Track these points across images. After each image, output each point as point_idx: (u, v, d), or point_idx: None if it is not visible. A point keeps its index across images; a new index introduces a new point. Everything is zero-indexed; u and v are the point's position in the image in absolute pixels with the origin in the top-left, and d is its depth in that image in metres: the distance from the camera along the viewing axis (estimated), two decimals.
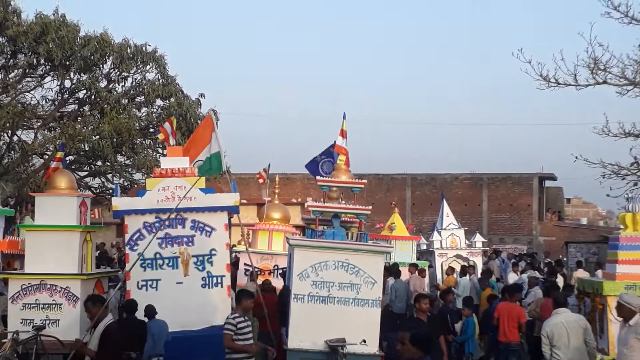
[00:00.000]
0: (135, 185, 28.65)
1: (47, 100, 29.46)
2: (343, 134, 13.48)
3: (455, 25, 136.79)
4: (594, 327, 11.03)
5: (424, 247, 26.43)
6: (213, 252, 13.48)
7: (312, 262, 11.57)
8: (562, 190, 58.86)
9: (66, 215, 13.54)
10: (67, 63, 27.57)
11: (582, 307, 12.90)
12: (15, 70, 28.80)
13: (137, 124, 28.58)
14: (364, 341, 11.34)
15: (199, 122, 26.13)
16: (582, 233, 47.34)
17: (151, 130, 29.42)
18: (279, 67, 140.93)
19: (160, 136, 15.69)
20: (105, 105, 27.75)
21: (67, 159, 26.32)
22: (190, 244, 13.48)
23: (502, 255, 32.60)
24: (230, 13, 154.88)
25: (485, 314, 15.33)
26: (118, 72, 28.94)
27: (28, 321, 13.10)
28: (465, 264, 22.73)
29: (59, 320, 13.07)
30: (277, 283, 17.01)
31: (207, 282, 13.43)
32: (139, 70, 29.24)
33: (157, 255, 13.39)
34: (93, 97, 28.61)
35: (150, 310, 12.19)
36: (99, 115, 28.03)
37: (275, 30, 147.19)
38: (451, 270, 21.89)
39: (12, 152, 29.15)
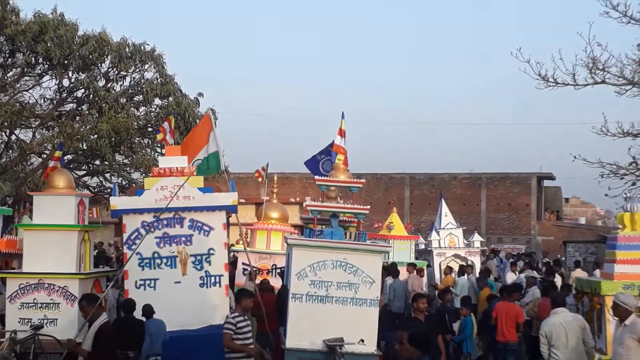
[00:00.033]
0: (134, 185, 28.62)
1: (46, 99, 29.46)
2: (341, 133, 13.47)
3: (454, 25, 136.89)
4: (591, 327, 11.04)
5: (422, 246, 26.43)
6: (211, 251, 13.48)
7: (311, 262, 11.56)
8: (561, 190, 58.87)
9: (64, 214, 13.53)
10: (66, 62, 27.54)
11: (580, 306, 12.91)
12: (14, 69, 28.77)
13: (136, 123, 28.56)
14: (362, 341, 11.33)
15: (198, 121, 26.11)
16: (580, 233, 47.35)
17: (149, 129, 29.41)
18: (277, 66, 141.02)
19: (159, 136, 15.68)
20: (104, 105, 27.74)
21: (65, 158, 26.37)
22: (188, 243, 13.48)
23: (500, 255, 32.61)
24: (229, 12, 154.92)
25: (485, 314, 15.33)
26: (116, 71, 28.93)
27: (26, 320, 13.09)
28: (464, 263, 22.74)
29: (57, 319, 13.06)
30: (276, 282, 17.01)
31: (205, 282, 13.43)
32: (138, 70, 29.23)
33: (155, 255, 13.39)
34: (91, 96, 28.59)
35: (147, 310, 12.18)
36: (97, 115, 28.01)
37: (274, 29, 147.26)
38: (449, 269, 21.89)
39: (10, 151, 29.12)
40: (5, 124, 26.61)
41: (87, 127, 27.74)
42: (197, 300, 13.21)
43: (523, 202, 50.88)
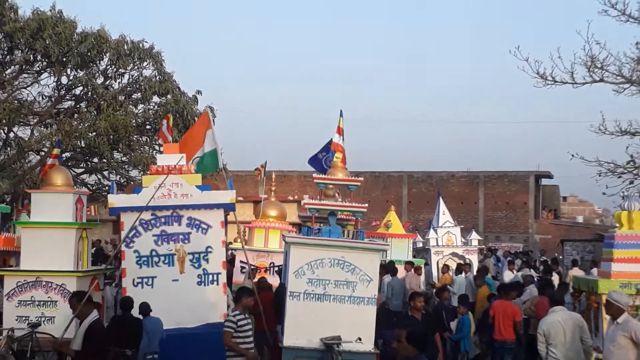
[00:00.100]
0: (132, 182, 28.62)
1: (44, 97, 29.41)
2: (340, 131, 13.46)
3: (452, 23, 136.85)
4: (589, 325, 11.06)
5: (420, 244, 26.46)
6: (209, 249, 13.47)
7: (308, 260, 11.56)
8: (558, 189, 58.88)
9: (62, 212, 13.54)
10: (64, 59, 27.51)
11: (577, 305, 12.93)
12: (12, 67, 28.73)
13: (134, 121, 28.52)
14: (360, 339, 11.34)
15: (196, 119, 26.13)
16: (578, 231, 47.36)
17: (148, 127, 29.40)
18: (276, 63, 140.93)
19: (161, 141, 15.70)
20: (102, 102, 27.71)
21: (64, 155, 26.32)
22: (186, 241, 13.47)
23: (498, 254, 32.64)
24: (228, 10, 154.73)
25: (485, 313, 15.33)
26: (115, 69, 28.91)
27: (23, 318, 13.10)
28: (461, 261, 22.76)
29: (54, 317, 13.06)
30: (273, 280, 17.01)
31: (203, 280, 13.42)
32: (136, 67, 29.19)
33: (153, 253, 13.38)
34: (90, 93, 28.57)
35: (144, 308, 12.18)
36: (95, 112, 28.00)
37: (274, 27, 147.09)
38: (446, 268, 21.91)
39: (8, 149, 29.09)
40: (4, 121, 26.59)
41: (86, 125, 27.71)
42: (195, 298, 13.21)
43: (521, 201, 50.90)
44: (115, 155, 29.23)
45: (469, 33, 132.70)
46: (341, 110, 13.62)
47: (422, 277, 21.11)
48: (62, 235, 13.38)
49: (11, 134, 28.93)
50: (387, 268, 18.94)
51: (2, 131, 28.77)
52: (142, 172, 26.45)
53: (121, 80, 29.41)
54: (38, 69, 28.91)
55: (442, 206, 25.08)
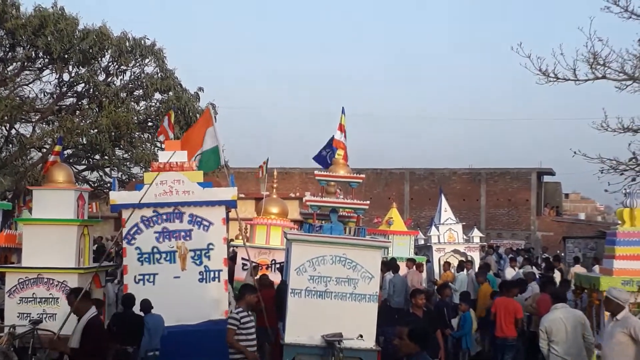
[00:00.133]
0: (133, 179, 28.63)
1: (46, 94, 29.47)
2: (341, 128, 13.44)
3: (454, 20, 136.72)
4: (590, 323, 11.03)
5: (421, 242, 26.41)
6: (210, 246, 13.46)
7: (310, 257, 11.54)
8: (561, 186, 58.87)
9: (64, 209, 13.53)
10: (66, 56, 27.54)
11: (578, 302, 12.91)
12: (14, 63, 28.77)
13: (136, 118, 28.57)
14: (361, 336, 11.33)
15: (198, 115, 26.15)
16: (580, 228, 47.30)
17: (149, 124, 29.43)
18: (278, 61, 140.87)
19: (161, 137, 15.68)
20: (104, 99, 27.74)
21: (65, 152, 26.39)
22: (187, 238, 13.45)
23: (500, 251, 32.60)
24: (230, 7, 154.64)
25: (489, 310, 15.29)
26: (116, 66, 28.94)
27: (25, 315, 13.09)
28: (463, 259, 22.72)
29: (55, 314, 13.04)
30: (275, 277, 17.01)
31: (204, 277, 13.41)
32: (138, 64, 29.24)
33: (155, 250, 13.36)
34: (91, 90, 28.61)
35: (145, 305, 12.18)
36: (97, 109, 28.04)
37: (275, 23, 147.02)
38: (448, 265, 21.86)
39: (10, 146, 29.14)
40: (5, 118, 26.62)
41: (87, 122, 27.75)
42: (196, 295, 13.19)
43: (523, 198, 50.88)
44: (116, 152, 29.27)
45: (471, 30, 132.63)
46: (343, 108, 13.60)
47: (424, 275, 21.07)
48: (63, 232, 13.37)
49: (13, 131, 28.98)
50: (389, 265, 18.91)
51: (3, 128, 28.81)
52: (143, 169, 26.47)
53: (123, 77, 29.49)
54: (40, 65, 28.94)
55: (444, 203, 25.02)
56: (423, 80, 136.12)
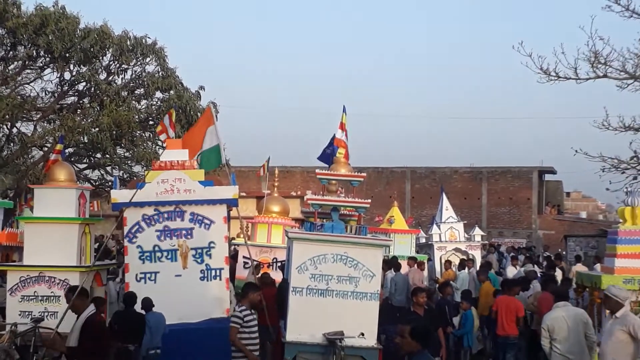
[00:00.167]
0: (135, 178, 28.64)
1: (47, 93, 29.49)
2: (342, 127, 13.44)
3: (455, 19, 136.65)
4: (592, 321, 11.03)
5: (423, 240, 26.42)
6: (212, 244, 13.46)
7: (311, 255, 11.54)
8: (562, 184, 58.85)
9: (65, 207, 13.55)
10: (67, 55, 27.55)
11: (580, 300, 12.91)
12: (15, 62, 28.78)
13: (137, 117, 28.57)
14: (362, 334, 11.33)
15: (199, 114, 26.15)
16: (581, 227, 47.29)
17: (151, 122, 29.43)
18: (279, 59, 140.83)
19: (158, 128, 15.67)
20: (105, 98, 27.75)
21: (67, 151, 26.41)
22: (189, 236, 13.45)
23: (501, 249, 32.58)
24: (231, 5, 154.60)
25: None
26: (118, 65, 28.94)
27: (26, 313, 13.10)
28: (464, 257, 22.72)
29: (57, 312, 13.04)
30: (276, 276, 17.01)
31: (205, 275, 13.41)
32: (139, 63, 29.24)
33: (156, 248, 13.36)
34: (92, 89, 28.62)
35: (147, 303, 12.18)
36: (98, 108, 28.04)
37: (277, 22, 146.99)
38: (449, 264, 21.86)
39: (12, 144, 29.15)
40: (7, 116, 26.62)
41: (89, 120, 27.75)
42: (198, 293, 13.20)
43: (524, 196, 50.86)
44: (118, 151, 29.29)
45: (472, 28, 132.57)
46: (344, 106, 13.59)
47: (425, 273, 21.09)
48: (65, 231, 13.38)
49: (14, 130, 29.00)
50: (391, 263, 18.92)
51: (5, 127, 28.82)
52: (145, 168, 26.48)
53: (124, 75, 29.50)
54: (41, 64, 28.96)
55: (445, 202, 25.02)
56: (424, 78, 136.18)
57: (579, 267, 20.66)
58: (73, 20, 27.41)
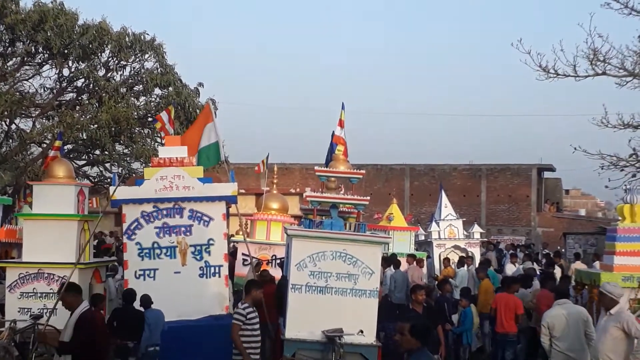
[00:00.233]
0: (134, 175, 28.64)
1: (46, 89, 29.46)
2: (341, 124, 13.42)
3: (455, 17, 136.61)
4: (592, 319, 11.04)
5: (422, 237, 26.41)
6: (211, 241, 13.45)
7: (310, 253, 11.54)
8: (561, 182, 58.84)
9: (64, 204, 13.55)
10: (66, 51, 27.52)
11: (579, 298, 12.91)
12: (14, 59, 28.74)
13: (136, 113, 28.55)
14: (362, 331, 11.34)
15: (198, 111, 26.13)
16: (580, 224, 47.31)
17: (149, 119, 29.40)
18: (278, 56, 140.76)
19: (157, 125, 15.64)
20: (104, 94, 27.73)
21: (65, 147, 26.35)
22: (188, 233, 13.44)
23: (501, 247, 32.56)
24: (230, 3, 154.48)
25: None
26: (116, 61, 28.92)
27: (25, 310, 13.11)
28: (464, 254, 22.72)
29: (56, 309, 13.04)
30: (275, 273, 17.01)
31: (204, 272, 13.40)
32: (138, 59, 29.21)
33: (155, 245, 13.35)
34: (91, 85, 28.61)
35: (145, 300, 12.18)
36: (97, 104, 28.01)
37: (276, 20, 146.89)
38: (448, 261, 21.87)
39: (10, 141, 29.12)
40: (5, 113, 26.60)
41: (87, 117, 27.74)
42: (197, 290, 13.19)
43: (523, 194, 50.84)
44: (117, 148, 29.28)
45: (472, 26, 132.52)
46: (343, 103, 13.57)
47: (424, 270, 21.09)
48: (63, 227, 13.38)
49: (13, 126, 28.98)
50: (390, 261, 18.92)
51: (4, 123, 28.80)
52: (143, 165, 26.46)
53: (123, 72, 29.46)
54: (40, 61, 28.93)
55: (444, 199, 25.02)
56: (423, 76, 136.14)
57: (578, 265, 20.67)
58: (71, 17, 27.38)
